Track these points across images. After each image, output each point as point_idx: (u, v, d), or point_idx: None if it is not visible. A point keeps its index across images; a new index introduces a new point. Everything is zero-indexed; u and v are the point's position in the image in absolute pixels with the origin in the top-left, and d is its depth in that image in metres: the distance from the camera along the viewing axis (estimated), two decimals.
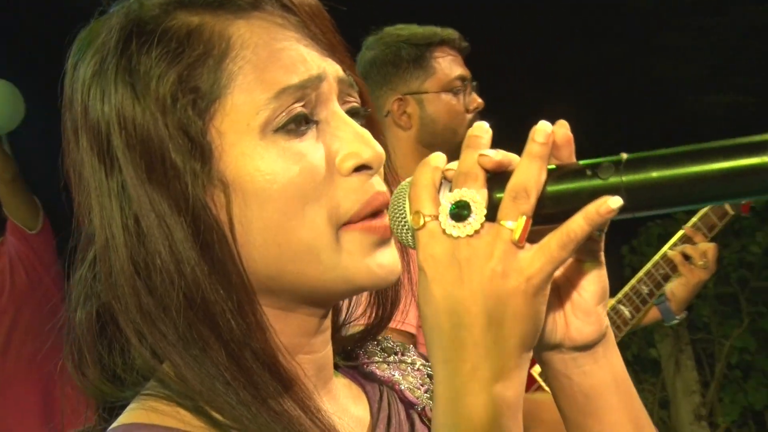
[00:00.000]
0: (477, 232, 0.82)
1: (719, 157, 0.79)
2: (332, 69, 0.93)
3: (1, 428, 3.97)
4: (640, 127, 8.82)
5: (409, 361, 1.13)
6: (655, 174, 0.80)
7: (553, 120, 0.85)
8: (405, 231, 0.89)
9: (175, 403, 0.92)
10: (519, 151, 0.85)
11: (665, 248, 2.79)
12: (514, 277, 0.81)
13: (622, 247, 5.82)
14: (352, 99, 0.96)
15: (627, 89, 8.59)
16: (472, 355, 0.82)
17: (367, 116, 0.97)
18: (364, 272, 0.92)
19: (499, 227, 0.82)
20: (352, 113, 0.95)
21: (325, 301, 0.97)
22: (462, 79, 2.62)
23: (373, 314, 1.07)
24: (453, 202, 0.83)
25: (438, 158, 0.88)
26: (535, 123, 0.84)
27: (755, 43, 8.34)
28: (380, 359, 1.12)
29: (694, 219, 2.82)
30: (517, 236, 0.81)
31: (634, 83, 8.49)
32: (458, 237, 0.82)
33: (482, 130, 0.87)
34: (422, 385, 1.11)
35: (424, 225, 0.84)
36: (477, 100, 2.64)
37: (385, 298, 1.06)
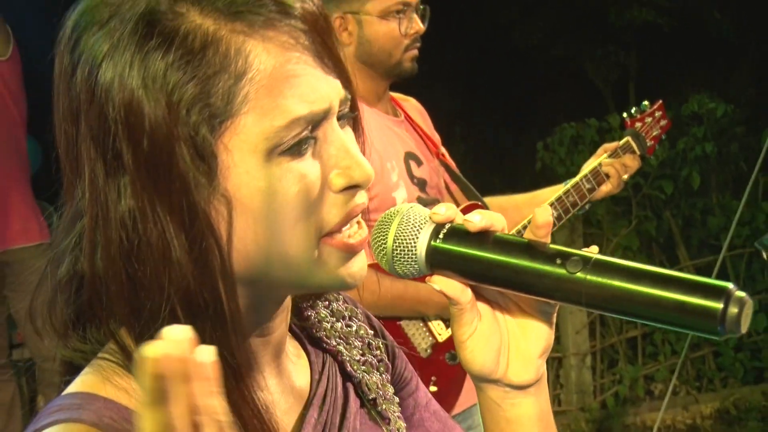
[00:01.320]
0: None
1: (679, 289, 0.81)
2: (336, 92, 0.93)
3: None
4: (562, 29, 9.16)
5: (354, 328, 1.15)
6: (616, 283, 0.83)
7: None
8: (381, 256, 0.95)
9: (133, 376, 0.91)
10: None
11: (585, 170, 2.89)
12: None
13: (537, 143, 6.04)
14: (343, 107, 0.96)
15: None
16: None
17: (354, 117, 0.99)
18: (337, 282, 0.96)
19: None
20: (341, 117, 0.96)
21: (293, 295, 1.04)
22: (405, 4, 2.61)
23: None
24: None
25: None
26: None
27: None
28: (329, 324, 1.12)
29: (604, 155, 2.93)
30: None
31: None
32: None
33: None
34: (362, 355, 1.13)
35: None
36: (416, 26, 2.63)
37: None
